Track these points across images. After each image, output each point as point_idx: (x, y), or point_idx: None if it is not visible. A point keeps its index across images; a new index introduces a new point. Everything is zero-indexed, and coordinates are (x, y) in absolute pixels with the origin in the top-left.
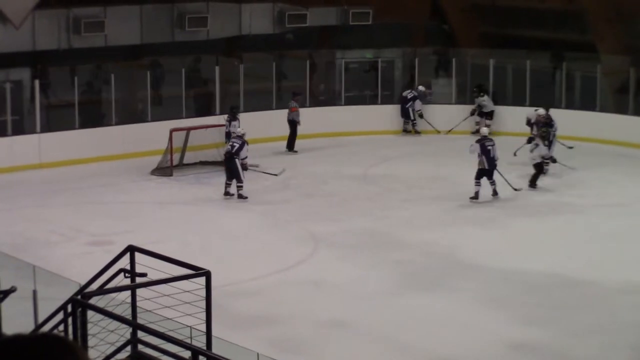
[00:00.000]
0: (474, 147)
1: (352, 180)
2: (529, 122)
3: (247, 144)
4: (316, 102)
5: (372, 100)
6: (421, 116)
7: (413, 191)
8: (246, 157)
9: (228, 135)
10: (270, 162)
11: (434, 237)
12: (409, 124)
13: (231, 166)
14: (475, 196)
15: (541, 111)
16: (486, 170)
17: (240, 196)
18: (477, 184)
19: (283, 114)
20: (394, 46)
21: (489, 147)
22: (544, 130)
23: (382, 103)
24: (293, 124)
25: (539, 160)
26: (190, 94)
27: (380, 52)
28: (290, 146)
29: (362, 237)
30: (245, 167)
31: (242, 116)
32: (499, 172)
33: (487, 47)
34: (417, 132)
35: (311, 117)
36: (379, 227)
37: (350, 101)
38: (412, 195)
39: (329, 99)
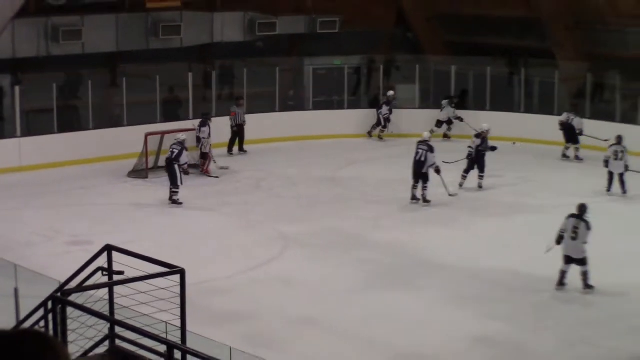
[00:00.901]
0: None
1: (320, 182)
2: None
3: (187, 149)
4: (285, 107)
5: (339, 106)
6: (388, 120)
7: (380, 193)
8: (186, 163)
9: (198, 140)
10: (240, 165)
11: (401, 237)
12: (376, 129)
13: (170, 171)
14: (411, 198)
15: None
16: (413, 170)
17: (174, 201)
18: (412, 187)
19: (251, 118)
20: (361, 53)
21: (419, 150)
22: (619, 136)
23: (349, 108)
24: (231, 128)
25: (623, 170)
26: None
27: (348, 59)
28: (229, 148)
29: (331, 237)
30: (186, 172)
31: (215, 120)
32: (439, 176)
33: (451, 54)
34: (381, 139)
35: (281, 122)
36: (346, 228)
37: (318, 106)
38: (379, 197)
39: (297, 104)
